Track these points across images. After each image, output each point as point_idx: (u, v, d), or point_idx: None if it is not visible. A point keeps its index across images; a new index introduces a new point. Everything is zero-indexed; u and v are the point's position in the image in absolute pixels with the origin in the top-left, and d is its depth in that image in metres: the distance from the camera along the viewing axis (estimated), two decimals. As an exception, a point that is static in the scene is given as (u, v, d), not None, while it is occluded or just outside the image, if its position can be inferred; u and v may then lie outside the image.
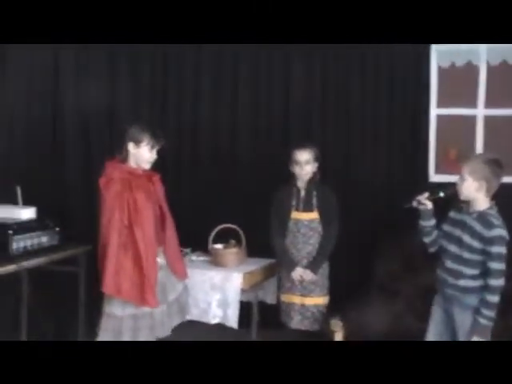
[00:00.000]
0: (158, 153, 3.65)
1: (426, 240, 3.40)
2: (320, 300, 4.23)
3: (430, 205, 3.28)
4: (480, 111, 4.52)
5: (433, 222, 3.35)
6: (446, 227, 3.32)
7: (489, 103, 4.45)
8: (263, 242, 4.32)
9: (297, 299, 4.22)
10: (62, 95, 4.97)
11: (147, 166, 3.61)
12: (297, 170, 4.18)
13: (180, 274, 3.86)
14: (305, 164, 4.16)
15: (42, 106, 4.94)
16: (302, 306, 4.21)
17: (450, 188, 3.27)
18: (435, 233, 3.36)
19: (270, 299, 4.54)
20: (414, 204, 3.28)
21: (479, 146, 4.51)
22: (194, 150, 4.97)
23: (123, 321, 3.50)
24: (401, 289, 4.20)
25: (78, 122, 4.99)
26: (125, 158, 3.57)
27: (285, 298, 4.29)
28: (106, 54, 4.92)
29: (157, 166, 3.75)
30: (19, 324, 4.41)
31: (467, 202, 3.23)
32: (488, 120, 4.49)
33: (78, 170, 5.01)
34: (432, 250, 3.42)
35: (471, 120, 4.51)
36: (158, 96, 4.97)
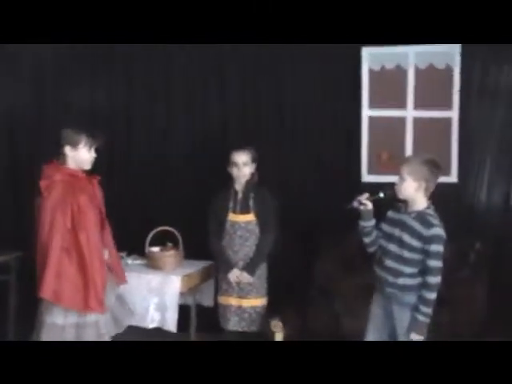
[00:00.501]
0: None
1: (366, 240, 3.42)
2: (257, 301, 4.21)
3: (370, 205, 3.31)
4: (409, 113, 4.59)
5: (373, 222, 3.38)
6: (385, 227, 3.35)
7: (417, 105, 4.54)
8: (200, 243, 4.29)
9: (234, 301, 4.19)
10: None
11: (88, 167, 3.52)
12: (234, 171, 4.16)
13: (120, 278, 3.76)
14: (243, 166, 4.14)
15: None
16: (239, 307, 4.18)
17: (390, 188, 3.30)
18: (375, 233, 3.40)
19: (207, 302, 4.52)
20: (355, 204, 3.29)
21: (409, 147, 4.58)
22: (128, 150, 4.87)
23: (65, 330, 3.37)
24: (339, 289, 4.21)
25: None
26: (63, 162, 3.48)
27: (222, 299, 4.26)
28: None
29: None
30: None
31: (405, 202, 3.28)
32: (417, 121, 4.56)
33: (5, 172, 4.90)
34: (371, 249, 3.45)
35: (401, 121, 4.58)
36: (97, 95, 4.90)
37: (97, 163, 3.55)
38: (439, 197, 3.31)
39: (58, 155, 3.46)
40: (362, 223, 3.37)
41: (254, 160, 4.18)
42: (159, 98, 4.84)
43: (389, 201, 3.33)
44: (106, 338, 3.53)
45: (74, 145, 3.43)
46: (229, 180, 4.23)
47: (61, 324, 3.36)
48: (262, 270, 4.22)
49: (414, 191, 3.19)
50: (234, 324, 4.22)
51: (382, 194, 3.30)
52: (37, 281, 3.36)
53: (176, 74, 4.81)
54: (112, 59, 4.81)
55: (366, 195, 3.30)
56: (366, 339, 3.38)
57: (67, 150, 3.45)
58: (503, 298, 4.08)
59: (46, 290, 3.27)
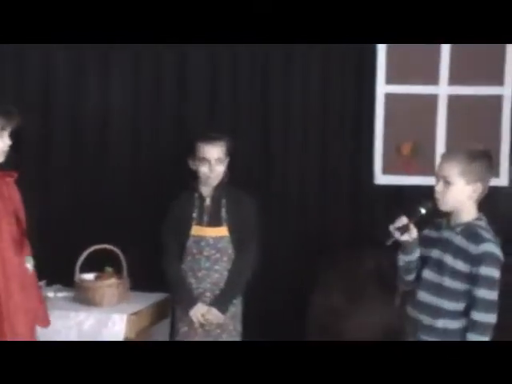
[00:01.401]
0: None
1: (409, 278, 2.90)
2: None
3: (415, 232, 2.77)
4: (443, 89, 4.09)
5: (417, 253, 2.84)
6: (421, 250, 2.88)
7: (454, 79, 4.05)
8: (152, 268, 3.75)
9: None
10: None
11: (0, 158, 3.04)
12: (204, 170, 3.54)
13: (42, 320, 3.20)
14: (216, 163, 3.53)
15: None
16: None
17: (430, 200, 2.80)
18: (418, 266, 2.90)
19: None
20: (397, 236, 2.74)
21: (441, 136, 4.07)
22: (49, 139, 4.25)
23: None
24: (346, 330, 3.72)
25: None
26: None
27: None
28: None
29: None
30: None
31: (447, 215, 2.83)
32: (453, 101, 4.07)
33: None
34: (410, 287, 2.95)
35: (431, 100, 4.08)
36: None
37: (9, 155, 3.03)
38: (482, 206, 2.84)
39: None
40: (405, 258, 2.83)
41: (228, 154, 3.62)
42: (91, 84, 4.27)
43: (428, 216, 2.83)
44: None
45: None
46: (191, 181, 3.62)
47: None
48: (237, 306, 3.63)
49: (466, 198, 2.72)
50: None
51: (423, 210, 2.77)
52: None
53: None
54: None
55: (404, 219, 2.76)
56: None
57: None
58: None
59: None
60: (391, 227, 2.75)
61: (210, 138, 3.55)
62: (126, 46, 4.09)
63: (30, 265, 3.08)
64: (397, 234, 2.74)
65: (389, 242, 2.75)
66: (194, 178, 3.59)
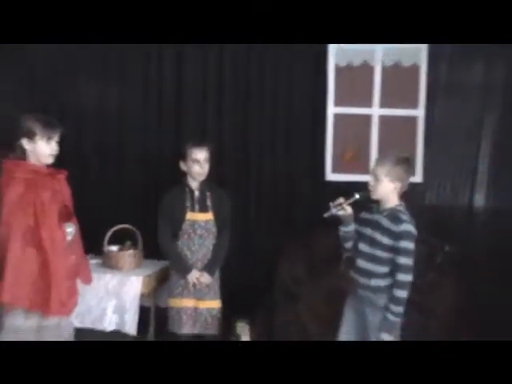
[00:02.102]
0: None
1: (347, 246, 3.34)
2: (214, 303, 4.07)
3: (349, 209, 3.20)
4: (375, 110, 4.55)
5: (353, 226, 3.28)
6: (358, 228, 3.29)
7: (383, 103, 4.51)
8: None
9: (189, 302, 4.02)
10: None
11: (50, 160, 3.22)
12: (195, 169, 3.97)
13: (85, 278, 3.52)
14: (204, 162, 3.97)
15: None
16: (195, 309, 4.02)
17: (364, 189, 3.22)
18: (355, 237, 3.32)
19: (164, 303, 4.34)
20: (334, 211, 3.16)
21: (374, 145, 4.55)
22: (81, 143, 4.64)
23: (25, 333, 3.14)
24: (305, 293, 4.07)
25: None
26: (22, 156, 3.17)
27: (175, 302, 4.05)
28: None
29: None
30: None
31: (378, 202, 3.24)
32: (383, 119, 4.53)
33: None
34: (350, 255, 3.36)
35: (367, 119, 4.53)
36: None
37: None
38: (404, 196, 3.25)
39: (14, 148, 3.17)
40: (344, 229, 3.27)
41: (211, 157, 4.04)
42: (113, 90, 4.68)
43: (363, 202, 3.24)
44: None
45: (31, 137, 3.13)
46: (182, 178, 4.03)
47: (20, 326, 3.15)
48: (218, 272, 4.10)
49: (390, 192, 3.15)
50: (188, 327, 4.04)
51: (357, 196, 3.17)
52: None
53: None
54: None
55: (341, 199, 3.18)
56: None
57: (24, 143, 3.15)
58: (470, 301, 4.00)
59: (4, 293, 3.05)
60: (330, 203, 3.14)
61: (200, 142, 3.96)
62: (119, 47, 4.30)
63: (70, 229, 3.28)
64: (334, 210, 3.13)
65: (326, 215, 3.12)
66: (184, 175, 3.97)
